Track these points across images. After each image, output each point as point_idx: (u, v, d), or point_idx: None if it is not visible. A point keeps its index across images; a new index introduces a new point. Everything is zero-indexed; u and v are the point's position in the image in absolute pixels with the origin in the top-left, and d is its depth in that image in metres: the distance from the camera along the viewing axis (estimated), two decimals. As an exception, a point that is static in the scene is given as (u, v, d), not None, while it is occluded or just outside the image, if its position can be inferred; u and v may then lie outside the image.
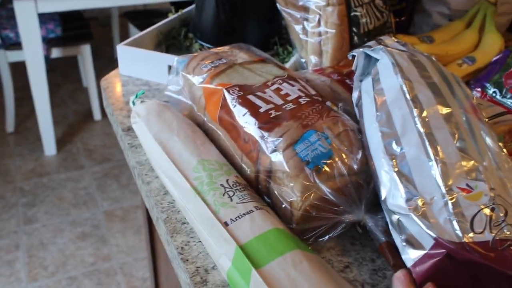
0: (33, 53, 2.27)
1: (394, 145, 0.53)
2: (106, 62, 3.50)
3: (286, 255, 0.48)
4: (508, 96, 0.82)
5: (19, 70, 3.08)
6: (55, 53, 2.59)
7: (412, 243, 0.48)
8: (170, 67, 0.92)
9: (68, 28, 2.70)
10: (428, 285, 0.44)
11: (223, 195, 0.55)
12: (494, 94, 0.84)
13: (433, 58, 0.67)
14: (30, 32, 2.21)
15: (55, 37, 2.56)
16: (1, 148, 2.59)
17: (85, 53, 2.66)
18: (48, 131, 2.48)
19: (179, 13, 1.13)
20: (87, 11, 3.71)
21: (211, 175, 0.57)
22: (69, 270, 1.91)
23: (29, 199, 2.26)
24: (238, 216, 0.52)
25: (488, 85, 0.85)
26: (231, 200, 0.54)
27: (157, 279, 1.25)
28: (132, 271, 1.92)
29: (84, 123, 2.84)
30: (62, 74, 3.38)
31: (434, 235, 0.46)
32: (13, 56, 2.49)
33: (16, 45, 2.47)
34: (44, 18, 2.52)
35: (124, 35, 3.69)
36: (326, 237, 0.56)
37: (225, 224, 0.52)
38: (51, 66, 3.37)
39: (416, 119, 0.54)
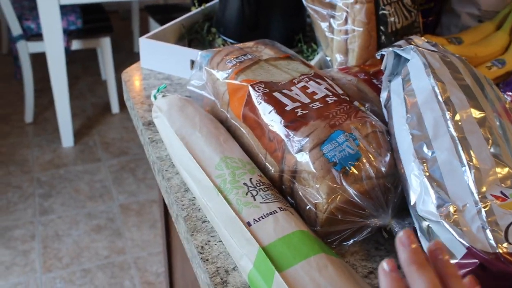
0: (53, 44, 2.28)
1: (425, 149, 0.51)
2: (125, 56, 3.50)
3: (311, 258, 0.47)
4: (540, 101, 0.79)
5: (39, 61, 3.10)
6: (75, 45, 2.60)
7: (443, 251, 0.46)
8: (192, 62, 0.91)
9: (88, 21, 2.70)
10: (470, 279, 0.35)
11: (246, 194, 0.53)
12: (524, 99, 0.81)
13: (465, 59, 0.65)
14: (51, 24, 2.22)
15: (75, 29, 2.57)
16: (20, 138, 2.61)
17: (104, 46, 2.66)
18: (66, 122, 2.49)
19: (203, 7, 1.11)
20: (108, 4, 3.72)
21: (234, 173, 0.56)
22: (83, 262, 1.91)
23: (45, 190, 2.27)
24: (262, 217, 0.51)
25: (518, 89, 0.82)
26: (255, 199, 0.53)
27: (171, 275, 1.24)
28: (146, 265, 1.92)
29: (102, 116, 2.85)
30: (81, 66, 3.39)
31: (466, 244, 0.44)
32: (34, 47, 2.50)
33: (37, 36, 2.48)
34: (65, 10, 2.53)
35: (144, 29, 3.69)
36: (351, 241, 0.54)
37: (248, 224, 0.50)
38: (71, 58, 3.39)
39: (449, 122, 0.52)
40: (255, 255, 0.48)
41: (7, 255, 1.92)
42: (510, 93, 0.83)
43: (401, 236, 0.36)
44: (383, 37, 0.84)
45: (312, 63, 0.89)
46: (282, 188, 0.57)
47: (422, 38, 0.70)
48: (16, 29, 2.42)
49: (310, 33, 1.06)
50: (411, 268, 0.34)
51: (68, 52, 2.50)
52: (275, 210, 0.51)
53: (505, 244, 0.43)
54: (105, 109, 2.91)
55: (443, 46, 0.94)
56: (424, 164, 0.50)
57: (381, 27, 0.84)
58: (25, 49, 2.49)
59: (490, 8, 1.03)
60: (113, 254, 1.96)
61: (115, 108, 2.86)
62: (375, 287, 0.52)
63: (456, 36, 0.98)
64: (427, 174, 0.49)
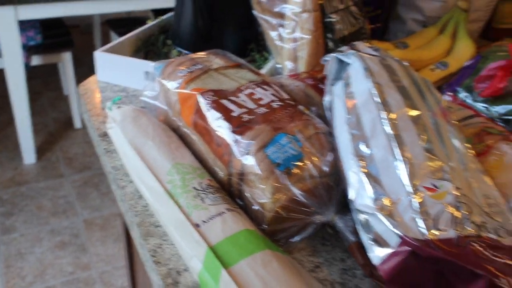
0: (12, 60, 2.25)
1: (363, 147, 0.54)
2: (87, 70, 3.48)
3: (256, 254, 0.49)
4: (479, 100, 0.84)
5: (-2, 78, 3.05)
6: (36, 60, 2.57)
7: (379, 241, 0.49)
8: (147, 73, 0.92)
9: (48, 36, 2.68)
10: None
11: (195, 197, 0.55)
12: (465, 98, 0.86)
13: (404, 63, 0.69)
14: (10, 40, 2.20)
15: (35, 44, 2.55)
16: (-20, 157, 2.56)
17: (66, 61, 2.64)
18: (28, 139, 2.46)
19: (158, 20, 1.13)
20: (68, 18, 3.69)
21: (184, 178, 0.58)
22: (47, 280, 1.89)
23: (7, 208, 2.23)
24: (210, 218, 0.53)
25: (459, 89, 0.87)
26: (203, 202, 0.55)
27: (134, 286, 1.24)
28: (111, 279, 1.90)
29: (64, 131, 2.82)
30: (42, 81, 3.35)
31: (399, 233, 0.47)
32: (-8, 63, 2.47)
33: (-5, 52, 2.45)
34: (24, 25, 2.50)
35: (106, 43, 3.67)
36: (297, 238, 0.57)
37: (197, 226, 0.52)
38: (32, 73, 3.35)
39: (385, 121, 0.55)
40: (204, 255, 0.50)
41: (-32, 276, 1.88)
42: (451, 93, 0.87)
43: None
44: (331, 44, 0.88)
45: (264, 71, 0.92)
46: (231, 191, 0.59)
47: (366, 44, 0.73)
48: (-28, 46, 2.38)
49: (262, 42, 1.08)
50: None
51: (28, 67, 2.47)
52: (223, 212, 0.53)
53: (435, 231, 0.47)
54: (67, 124, 2.88)
55: (389, 51, 0.98)
56: (362, 162, 0.53)
57: (328, 35, 0.87)
58: (-17, 66, 2.46)
59: (433, 14, 1.08)
60: (78, 270, 1.94)
61: (77, 123, 2.83)
62: (321, 280, 0.54)
63: (402, 41, 1.03)
64: (365, 170, 0.52)
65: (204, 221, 0.53)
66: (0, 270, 1.91)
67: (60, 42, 2.69)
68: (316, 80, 0.78)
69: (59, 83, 3.31)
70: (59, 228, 2.13)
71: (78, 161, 2.57)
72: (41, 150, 2.63)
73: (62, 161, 2.56)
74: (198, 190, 0.56)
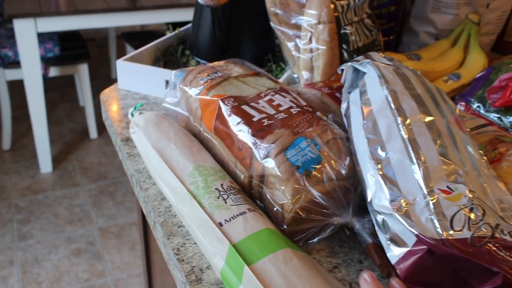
0: (31, 71, 2.31)
1: (379, 151, 0.56)
2: (103, 83, 3.54)
3: (277, 252, 0.51)
4: (491, 110, 0.85)
5: (17, 88, 3.11)
6: (53, 72, 2.63)
7: (396, 241, 0.51)
8: (167, 82, 0.95)
9: (66, 48, 2.74)
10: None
11: (218, 198, 0.58)
12: (478, 109, 0.87)
13: (418, 72, 0.71)
14: (29, 51, 2.25)
15: (53, 56, 2.61)
16: (-3, 166, 2.61)
17: (82, 73, 2.70)
18: (44, 149, 2.50)
19: (177, 31, 1.17)
20: (85, 31, 3.76)
21: (206, 180, 0.60)
22: (63, 286, 1.91)
23: (24, 215, 2.27)
24: (232, 217, 0.55)
25: (472, 99, 0.89)
26: (225, 202, 0.57)
27: (152, 292, 1.26)
28: (126, 287, 1.92)
29: (80, 141, 2.87)
30: (59, 93, 3.41)
31: (416, 232, 0.49)
32: (12, 74, 2.53)
33: (14, 63, 2.51)
34: (42, 38, 2.57)
35: (121, 56, 3.74)
36: (316, 239, 0.59)
37: (220, 225, 0.55)
38: (49, 85, 3.41)
39: (400, 126, 0.57)
40: (226, 253, 0.52)
41: (-15, 282, 1.92)
42: (463, 103, 0.89)
43: (364, 276, 0.42)
44: (345, 55, 0.90)
45: (281, 80, 0.94)
46: (251, 193, 0.62)
47: (380, 54, 0.76)
48: (-7, 57, 2.45)
49: (278, 53, 1.11)
50: None
51: (46, 79, 2.53)
52: (244, 211, 0.56)
53: (450, 231, 0.48)
54: (83, 134, 2.93)
55: (403, 62, 1.01)
56: (379, 164, 0.55)
57: (344, 46, 0.90)
58: (3, 76, 2.51)
59: (445, 27, 1.10)
60: (93, 277, 1.96)
61: (93, 133, 2.88)
62: (339, 279, 0.56)
63: (415, 53, 1.05)
64: (381, 173, 0.54)
65: (227, 220, 0.55)
66: (17, 276, 1.94)
67: (77, 54, 2.75)
68: (332, 89, 0.81)
69: (75, 94, 3.37)
70: (75, 236, 2.16)
71: (94, 171, 2.61)
72: (58, 160, 2.68)
73: (78, 171, 2.60)
74: (220, 191, 0.59)
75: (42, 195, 2.41)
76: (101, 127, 2.95)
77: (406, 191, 0.52)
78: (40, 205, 2.34)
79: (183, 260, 0.57)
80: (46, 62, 2.57)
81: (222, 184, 0.60)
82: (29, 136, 2.83)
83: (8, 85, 2.57)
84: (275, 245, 0.52)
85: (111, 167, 2.65)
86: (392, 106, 0.60)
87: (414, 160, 0.54)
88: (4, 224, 2.21)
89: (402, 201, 0.51)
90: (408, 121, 0.58)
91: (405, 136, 0.56)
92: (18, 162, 2.65)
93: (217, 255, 0.53)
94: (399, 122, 0.58)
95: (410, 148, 0.55)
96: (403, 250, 0.50)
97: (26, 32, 2.20)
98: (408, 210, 0.51)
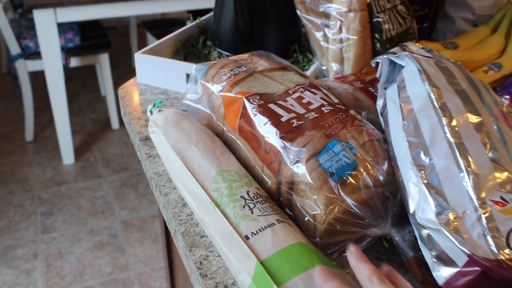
0: (52, 62, 2.28)
1: (422, 156, 0.51)
2: (124, 72, 3.52)
3: (310, 271, 0.46)
4: (538, 104, 0.79)
5: (38, 79, 3.11)
6: (74, 62, 2.61)
7: (444, 259, 0.45)
8: (188, 76, 0.91)
9: (86, 38, 2.72)
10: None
11: (244, 207, 0.53)
12: (523, 102, 0.81)
13: (459, 64, 0.65)
14: (49, 42, 2.23)
15: (73, 46, 2.58)
16: (20, 157, 2.61)
17: (103, 62, 2.67)
18: (67, 140, 2.49)
19: (197, 21, 1.12)
20: (105, 20, 3.74)
21: (231, 186, 0.56)
22: (86, 280, 1.90)
23: (47, 208, 2.27)
24: (259, 229, 0.50)
25: (516, 92, 0.82)
26: (252, 212, 0.52)
27: (174, 290, 1.23)
28: (149, 281, 1.90)
29: (102, 132, 2.85)
30: (80, 83, 3.40)
31: (467, 252, 0.43)
32: (33, 65, 2.52)
33: (35, 54, 2.49)
34: (63, 28, 2.54)
35: (142, 45, 3.71)
36: (351, 251, 0.53)
37: (246, 238, 0.50)
38: (70, 75, 3.40)
39: (446, 128, 0.52)
40: (253, 270, 0.47)
41: (9, 274, 1.91)
42: (507, 97, 0.82)
43: (353, 251, 0.41)
44: (378, 45, 0.84)
45: (308, 73, 0.89)
46: (280, 200, 0.57)
47: (417, 44, 0.70)
48: (14, 48, 2.43)
49: (305, 43, 1.06)
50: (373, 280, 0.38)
51: (67, 69, 2.51)
52: (273, 223, 0.51)
53: (506, 250, 0.43)
54: (105, 125, 2.91)
55: (438, 51, 0.94)
56: (422, 171, 0.50)
57: (376, 35, 0.84)
58: (24, 67, 2.50)
59: (484, 12, 1.03)
60: (116, 270, 1.95)
61: (115, 123, 2.86)
62: (377, 298, 0.51)
63: (451, 41, 0.98)
64: (425, 181, 0.49)
65: (254, 233, 0.50)
66: (41, 269, 1.94)
67: (98, 44, 2.72)
68: (365, 83, 0.75)
69: (96, 84, 3.35)
70: (97, 229, 2.15)
71: (116, 162, 2.59)
72: (80, 151, 2.67)
73: (100, 162, 2.59)
74: (246, 199, 0.54)
75: (65, 187, 2.40)
76: (123, 117, 2.93)
77: (454, 203, 0.47)
78: (63, 197, 2.33)
79: (206, 275, 0.52)
80: (67, 52, 2.54)
81: (248, 191, 0.55)
82: (51, 127, 2.83)
83: (30, 76, 2.56)
84: (307, 262, 0.47)
85: (133, 158, 2.62)
86: (436, 104, 0.54)
87: (463, 167, 0.48)
88: (28, 216, 2.21)
89: (450, 214, 0.46)
90: (454, 122, 0.52)
91: (451, 140, 0.51)
92: (41, 154, 2.64)
93: (243, 272, 0.48)
94: (444, 123, 0.52)
95: (457, 153, 0.49)
96: (452, 270, 0.44)
97: (46, 23, 2.18)
98: (457, 225, 0.45)
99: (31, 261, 1.98)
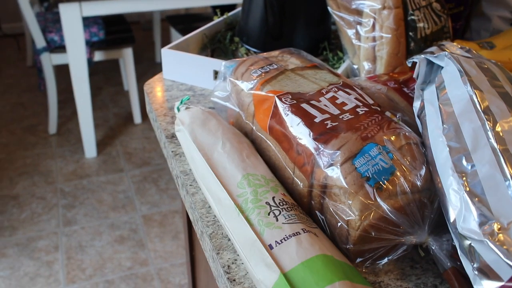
0: (76, 56, 2.29)
1: (464, 162, 0.48)
2: (147, 66, 3.52)
3: (336, 284, 0.44)
4: None
5: (62, 72, 3.13)
6: (98, 56, 2.61)
7: (487, 272, 0.43)
8: (216, 72, 0.89)
9: (110, 32, 2.72)
10: None
11: (268, 214, 0.51)
12: None
13: (500, 65, 0.62)
14: (74, 35, 2.24)
15: (98, 40, 2.59)
16: (43, 150, 2.63)
17: (127, 57, 2.67)
18: (89, 133, 2.50)
19: (225, 16, 1.10)
20: (129, 15, 3.75)
21: (256, 192, 0.53)
22: (106, 274, 1.90)
23: (69, 200, 2.28)
24: (284, 238, 0.48)
25: (557, 95, 0.78)
26: (277, 220, 0.50)
27: (195, 287, 1.22)
28: (169, 277, 1.90)
29: (124, 126, 2.86)
30: (104, 77, 3.42)
31: (514, 266, 0.41)
32: (57, 59, 2.53)
33: (60, 48, 2.51)
34: (87, 22, 2.55)
35: (166, 39, 3.71)
36: (385, 259, 0.51)
37: (270, 247, 0.48)
38: (94, 69, 3.42)
39: (489, 133, 0.49)
40: (273, 282, 0.45)
41: (31, 266, 1.93)
42: (548, 100, 0.79)
43: None
44: (412, 44, 0.81)
45: (339, 71, 0.86)
46: (311, 204, 0.55)
47: (455, 43, 0.67)
48: (40, 42, 2.45)
49: (335, 41, 1.03)
50: None
51: (91, 63, 2.51)
52: (298, 232, 0.48)
53: (556, 266, 0.40)
54: (127, 119, 2.92)
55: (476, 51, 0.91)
56: (464, 178, 0.47)
57: (410, 33, 0.81)
58: (49, 61, 2.52)
59: (523, 11, 0.99)
60: (136, 265, 1.95)
61: (137, 118, 2.86)
62: (413, 309, 0.49)
63: (487, 41, 0.95)
64: (468, 189, 0.46)
65: (278, 242, 0.48)
66: (61, 262, 1.95)
67: (122, 38, 2.72)
68: (399, 83, 0.72)
69: (119, 78, 3.36)
70: (118, 223, 2.15)
71: (138, 156, 2.59)
72: (102, 145, 2.68)
73: (122, 156, 2.59)
74: (272, 205, 0.52)
75: (87, 180, 2.41)
76: (145, 112, 2.93)
77: (498, 213, 0.44)
78: (85, 191, 2.35)
79: (234, 280, 0.50)
80: (91, 46, 2.55)
81: (273, 197, 0.53)
82: (74, 120, 2.84)
83: (54, 70, 2.57)
84: (333, 275, 0.45)
85: (155, 153, 2.63)
86: (479, 108, 0.51)
87: (508, 175, 0.46)
88: (50, 208, 2.23)
89: (495, 225, 0.43)
90: (498, 127, 0.49)
91: (496, 146, 0.48)
92: (64, 147, 2.66)
93: (261, 284, 0.46)
94: (488, 127, 0.49)
95: (502, 160, 0.47)
96: (496, 284, 0.42)
97: (71, 17, 2.18)
98: (502, 237, 0.42)
99: (52, 253, 1.99)
